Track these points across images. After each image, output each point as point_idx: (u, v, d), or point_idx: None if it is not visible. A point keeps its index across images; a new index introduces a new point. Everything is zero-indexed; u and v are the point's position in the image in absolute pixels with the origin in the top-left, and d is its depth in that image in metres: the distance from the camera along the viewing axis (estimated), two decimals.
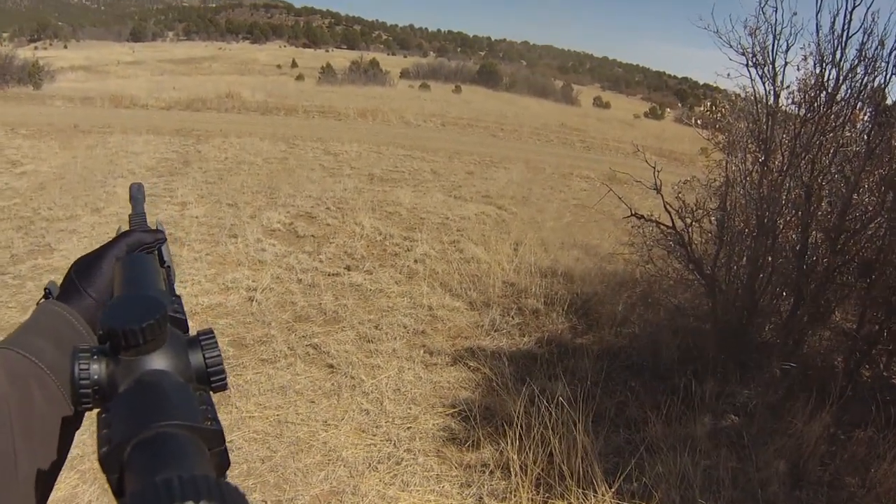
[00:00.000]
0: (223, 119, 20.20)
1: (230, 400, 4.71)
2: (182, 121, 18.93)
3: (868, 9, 5.01)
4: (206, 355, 0.59)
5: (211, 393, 0.58)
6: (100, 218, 8.79)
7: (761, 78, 5.59)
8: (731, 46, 5.61)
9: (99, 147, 14.15)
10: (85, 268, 0.85)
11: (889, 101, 5.41)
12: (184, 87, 31.01)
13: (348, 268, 7.54)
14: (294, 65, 65.45)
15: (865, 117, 5.48)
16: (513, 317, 6.57)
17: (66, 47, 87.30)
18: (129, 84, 33.42)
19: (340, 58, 69.19)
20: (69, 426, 0.72)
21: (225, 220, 8.88)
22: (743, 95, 6.32)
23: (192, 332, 0.64)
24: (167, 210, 9.30)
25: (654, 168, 5.97)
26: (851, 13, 5.06)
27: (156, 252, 0.93)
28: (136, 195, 1.14)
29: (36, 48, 65.12)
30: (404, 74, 54.16)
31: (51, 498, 0.69)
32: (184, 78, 41.40)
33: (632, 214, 6.34)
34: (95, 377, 0.54)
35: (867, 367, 5.44)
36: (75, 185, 10.58)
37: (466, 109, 28.56)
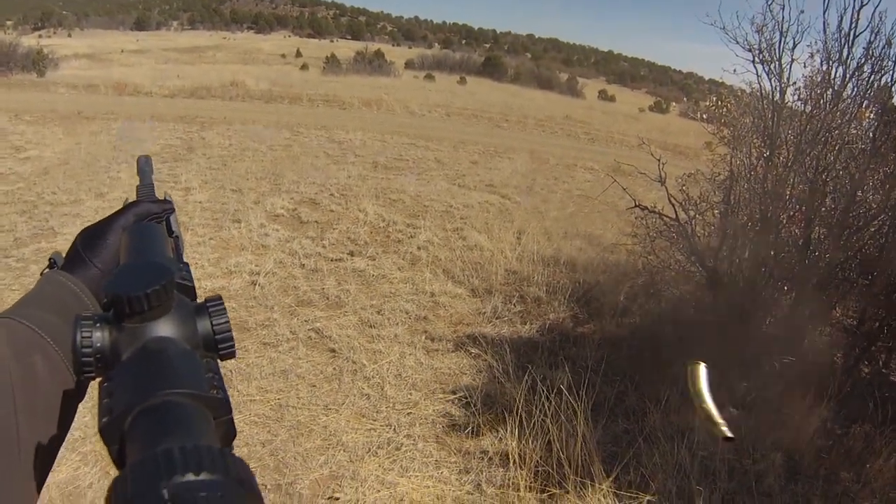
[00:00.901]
0: (227, 107, 20.18)
1: (232, 383, 4.72)
2: (186, 108, 18.92)
3: (876, 8, 5.02)
4: (214, 322, 0.57)
5: (218, 361, 0.57)
6: (104, 203, 8.79)
7: (767, 74, 5.60)
8: (737, 43, 5.63)
9: (103, 133, 14.16)
10: (91, 238, 0.84)
11: (895, 101, 5.42)
12: (188, 75, 31.00)
13: (351, 253, 7.54)
14: (298, 54, 65.46)
15: (871, 115, 5.47)
16: (515, 304, 6.57)
17: (69, 36, 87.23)
18: (132, 72, 33.40)
19: (345, 48, 69.13)
20: (72, 398, 0.71)
21: (229, 206, 8.89)
22: (749, 91, 6.33)
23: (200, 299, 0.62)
24: (171, 195, 9.28)
25: (659, 161, 5.97)
26: (859, 12, 5.08)
27: (164, 222, 0.91)
28: (144, 167, 1.15)
29: (40, 36, 65.12)
30: (409, 65, 54.14)
31: (52, 480, 0.68)
32: (188, 67, 41.33)
33: (636, 206, 6.34)
34: (98, 345, 0.53)
35: (866, 363, 5.44)
36: (79, 170, 10.59)
37: (471, 100, 28.53)
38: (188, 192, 9.50)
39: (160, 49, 65.04)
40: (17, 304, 0.74)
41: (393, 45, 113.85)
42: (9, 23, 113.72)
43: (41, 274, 0.81)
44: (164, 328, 0.54)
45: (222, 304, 0.59)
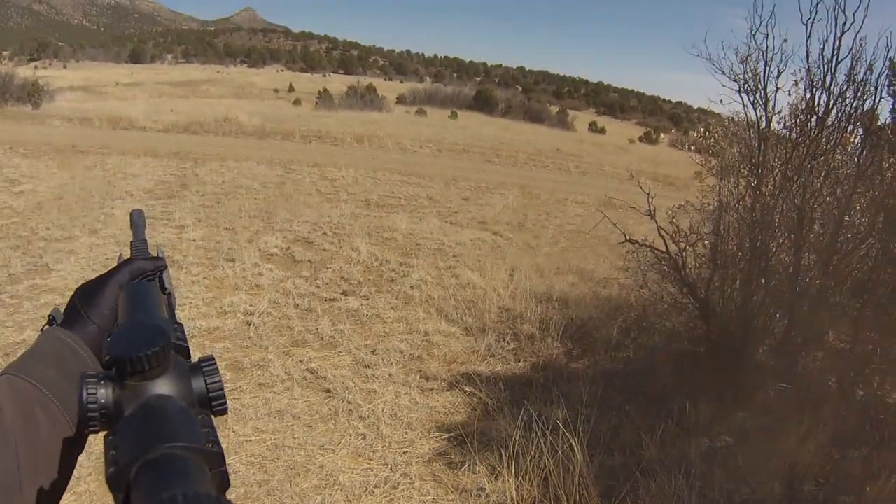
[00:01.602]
0: (220, 143, 20.26)
1: (227, 424, 4.73)
2: (180, 143, 18.98)
3: (857, 34, 5.11)
4: (208, 381, 0.63)
5: (212, 416, 0.62)
6: (98, 239, 8.82)
7: (753, 104, 5.69)
8: (723, 73, 5.71)
9: (97, 168, 14.20)
10: (88, 295, 0.87)
11: (879, 124, 5.52)
12: (181, 109, 31.10)
13: (345, 293, 7.56)
14: (291, 89, 65.71)
15: (856, 140, 5.58)
16: (508, 342, 6.60)
17: (65, 67, 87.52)
18: (127, 106, 33.47)
19: (337, 82, 69.47)
20: (72, 450, 0.75)
21: (222, 244, 8.91)
22: (735, 120, 6.42)
23: (194, 357, 0.68)
24: (165, 233, 9.33)
25: (648, 195, 6.04)
26: (840, 39, 5.17)
27: (157, 279, 0.95)
28: (137, 221, 1.16)
29: (36, 67, 65.30)
30: (401, 100, 54.32)
31: None
32: (181, 101, 41.44)
33: (626, 240, 6.40)
34: (103, 401, 0.58)
35: (861, 386, 5.48)
36: (73, 205, 10.61)
37: (462, 135, 28.64)
38: (182, 230, 9.53)
39: (154, 82, 65.22)
40: (18, 361, 0.78)
41: (384, 80, 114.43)
42: (5, 53, 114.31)
43: (41, 330, 0.84)
44: (163, 386, 0.59)
45: (215, 364, 0.64)
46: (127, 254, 1.04)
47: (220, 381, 0.63)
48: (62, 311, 0.88)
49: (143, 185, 12.65)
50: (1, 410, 0.69)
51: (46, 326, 0.86)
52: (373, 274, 8.34)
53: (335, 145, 22.09)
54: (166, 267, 0.98)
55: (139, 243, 1.08)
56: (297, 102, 46.69)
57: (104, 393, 0.58)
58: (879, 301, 5.11)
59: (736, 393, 5.38)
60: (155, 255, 1.02)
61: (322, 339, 6.35)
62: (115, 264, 0.96)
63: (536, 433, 4.32)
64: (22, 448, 0.68)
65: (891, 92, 5.39)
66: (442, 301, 7.52)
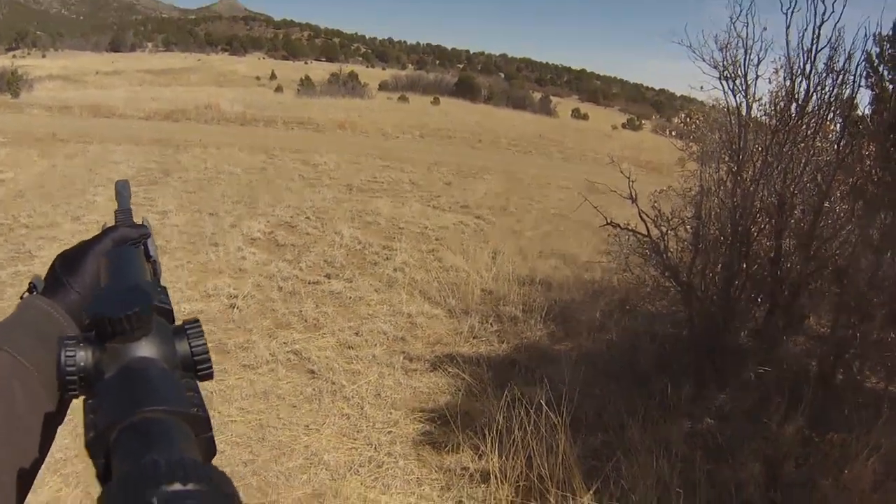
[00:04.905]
0: (202, 130, 20.18)
1: (212, 404, 4.73)
2: (161, 131, 18.91)
3: (836, 25, 5.15)
4: (192, 344, 0.60)
5: (197, 381, 0.59)
6: (80, 226, 8.79)
7: (733, 91, 5.72)
8: (703, 60, 5.74)
9: (78, 156, 14.14)
10: (69, 262, 0.84)
11: (858, 112, 5.57)
12: (163, 97, 30.93)
13: (328, 276, 7.58)
14: (273, 76, 65.37)
15: (836, 127, 5.62)
16: (491, 324, 6.63)
17: (44, 56, 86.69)
18: (107, 94, 33.25)
19: (320, 70, 69.09)
20: (51, 422, 0.72)
21: (205, 229, 8.91)
22: (716, 107, 6.46)
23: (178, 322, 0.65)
24: (147, 218, 9.28)
25: (629, 179, 6.07)
26: (819, 28, 5.21)
27: (141, 247, 0.92)
28: (122, 192, 1.12)
29: (14, 57, 64.64)
30: (383, 86, 54.25)
31: (34, 500, 0.71)
32: (163, 89, 41.24)
33: (608, 223, 6.43)
34: (82, 364, 0.55)
35: (840, 370, 5.53)
36: (55, 193, 10.57)
37: (445, 121, 28.61)
38: (165, 216, 9.51)
39: (135, 71, 64.76)
40: None
41: (367, 67, 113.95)
42: None
43: (20, 298, 0.82)
44: (145, 349, 0.57)
45: (200, 326, 0.62)
46: (111, 224, 0.99)
47: (204, 343, 0.61)
48: (42, 278, 0.84)
49: (125, 172, 12.57)
50: None
51: (26, 294, 0.82)
52: (356, 257, 8.35)
53: (317, 132, 22.05)
54: (151, 234, 0.97)
55: (123, 213, 1.05)
56: (278, 90, 46.54)
57: (83, 356, 0.56)
58: (858, 286, 5.17)
59: (717, 375, 5.42)
60: (140, 223, 1.00)
61: (306, 321, 6.36)
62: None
63: (520, 413, 4.35)
64: None
65: (868, 83, 5.43)
66: (425, 283, 7.54)
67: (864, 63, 5.32)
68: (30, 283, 0.83)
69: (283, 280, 7.29)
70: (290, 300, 6.81)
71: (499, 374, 5.53)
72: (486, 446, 4.27)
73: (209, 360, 0.60)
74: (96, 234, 0.90)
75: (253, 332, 6.02)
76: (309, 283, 7.32)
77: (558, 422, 4.19)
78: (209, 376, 0.61)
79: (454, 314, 6.84)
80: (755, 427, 4.86)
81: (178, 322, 0.64)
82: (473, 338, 6.36)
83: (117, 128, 19.51)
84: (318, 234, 9.18)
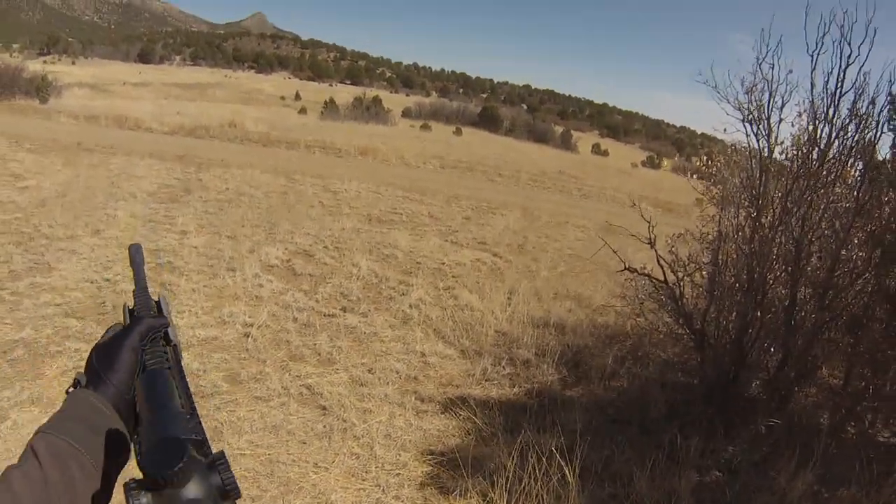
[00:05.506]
0: (225, 148, 20.36)
1: (223, 436, 4.75)
2: (185, 147, 19.09)
3: (861, 68, 5.16)
4: (223, 476, 0.73)
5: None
6: (99, 240, 8.86)
7: (756, 135, 5.73)
8: (728, 101, 5.76)
9: (102, 167, 14.31)
10: (105, 357, 0.98)
11: (879, 158, 5.57)
12: (188, 112, 31.22)
13: (344, 309, 7.58)
14: (298, 97, 66.06)
15: (856, 173, 5.61)
16: (504, 367, 6.60)
17: (73, 63, 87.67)
18: (134, 105, 33.64)
19: (344, 93, 69.72)
20: (101, 499, 0.86)
21: (224, 253, 8.95)
22: (738, 149, 6.47)
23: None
24: (167, 238, 9.37)
25: (650, 224, 6.07)
26: (845, 72, 5.22)
27: (163, 333, 1.06)
28: (135, 258, 1.26)
29: (45, 62, 65.61)
30: (406, 113, 54.63)
31: None
32: (188, 103, 41.63)
33: (625, 268, 6.43)
34: None
35: (852, 424, 5.49)
36: (77, 204, 10.68)
37: (466, 152, 28.70)
38: (184, 236, 9.58)
39: (162, 83, 65.53)
40: (51, 421, 0.88)
41: (391, 92, 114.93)
42: (15, 46, 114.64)
43: (66, 392, 0.95)
44: (192, 490, 0.71)
45: (226, 461, 0.75)
46: (130, 303, 1.17)
47: (232, 476, 0.74)
48: (84, 373, 0.98)
49: (147, 188, 12.71)
50: (43, 468, 0.79)
51: (72, 389, 0.96)
52: (372, 291, 8.36)
53: (339, 157, 22.19)
54: (169, 324, 1.09)
55: (141, 294, 1.18)
56: (302, 111, 46.93)
57: (145, 501, 0.70)
58: (874, 337, 5.14)
59: (727, 427, 5.40)
60: (156, 300, 1.18)
61: (320, 354, 6.36)
62: (122, 317, 1.13)
63: (531, 460, 4.33)
64: (63, 500, 0.79)
65: (892, 126, 5.44)
66: (440, 322, 7.53)
67: (887, 107, 5.34)
68: (75, 379, 0.97)
69: (298, 311, 7.30)
70: (305, 332, 6.82)
71: (510, 419, 5.51)
72: (494, 493, 4.25)
73: (237, 487, 0.73)
74: (125, 326, 1.05)
75: (266, 363, 6.03)
76: (324, 316, 7.32)
77: (569, 471, 4.18)
78: (237, 497, 0.74)
79: (467, 355, 6.83)
80: (764, 481, 4.82)
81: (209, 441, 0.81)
82: (486, 380, 6.34)
83: (142, 141, 19.73)
84: (335, 265, 9.20)
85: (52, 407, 4.69)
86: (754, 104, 5.64)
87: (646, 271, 6.34)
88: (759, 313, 5.58)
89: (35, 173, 12.76)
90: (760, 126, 5.68)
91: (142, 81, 65.60)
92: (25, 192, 11.16)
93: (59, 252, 8.20)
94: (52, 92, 30.88)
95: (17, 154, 14.56)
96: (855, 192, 5.37)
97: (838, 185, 5.50)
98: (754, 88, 5.62)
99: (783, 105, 5.60)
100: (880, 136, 5.37)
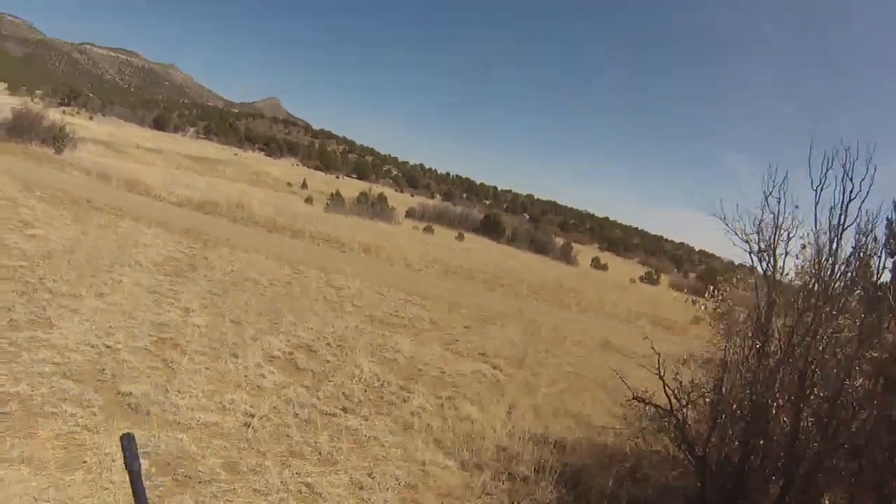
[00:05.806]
0: (232, 229, 20.53)
1: None
2: (192, 221, 19.28)
3: (861, 205, 5.35)
4: None
5: None
6: (103, 304, 8.81)
7: (764, 271, 5.83)
8: (735, 234, 5.90)
9: (110, 229, 14.43)
10: None
11: (878, 282, 5.65)
12: (197, 186, 31.67)
13: (345, 409, 7.47)
14: (304, 185, 66.98)
15: (858, 305, 5.68)
16: (503, 482, 6.51)
17: (91, 118, 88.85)
18: (145, 171, 34.06)
19: (350, 186, 70.73)
20: None
21: (227, 337, 8.88)
22: (743, 279, 6.57)
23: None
24: (170, 313, 9.30)
25: (659, 358, 6.08)
26: (847, 206, 5.35)
27: None
28: (128, 448, 1.27)
29: (64, 111, 66.69)
30: (410, 213, 55.35)
31: None
32: (198, 177, 42.25)
33: (634, 398, 6.41)
34: None
35: None
36: (83, 262, 10.68)
37: (468, 259, 29.01)
38: (187, 314, 9.53)
39: (174, 152, 66.43)
40: None
41: (396, 190, 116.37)
42: (38, 92, 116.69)
43: None
44: None
45: None
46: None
47: None
48: None
49: (153, 258, 12.72)
50: None
51: None
52: (374, 394, 8.25)
53: (343, 251, 22.33)
54: None
55: (138, 497, 1.25)
56: (308, 200, 47.57)
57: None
58: (876, 462, 5.09)
59: None
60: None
61: (320, 453, 6.23)
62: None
63: None
64: None
65: (889, 249, 5.57)
66: (440, 432, 7.41)
67: (885, 233, 5.47)
68: None
69: (300, 406, 7.17)
70: (306, 429, 6.69)
71: None
72: None
73: None
74: None
75: (266, 455, 5.88)
76: (326, 415, 7.20)
77: None
78: None
79: (467, 467, 6.71)
80: None
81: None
82: (485, 494, 6.23)
83: (151, 208, 19.88)
84: (337, 364, 9.10)
85: (43, 469, 4.56)
86: (763, 242, 5.79)
87: (650, 398, 6.33)
88: (761, 441, 5.58)
89: (44, 223, 12.84)
90: (768, 261, 5.81)
91: (155, 147, 66.43)
92: (33, 240, 11.23)
93: (62, 309, 8.14)
94: (67, 143, 31.33)
95: (28, 200, 14.69)
96: (856, 321, 5.50)
97: (842, 316, 5.57)
98: (763, 227, 5.78)
99: (789, 239, 5.76)
100: (882, 270, 5.54)
